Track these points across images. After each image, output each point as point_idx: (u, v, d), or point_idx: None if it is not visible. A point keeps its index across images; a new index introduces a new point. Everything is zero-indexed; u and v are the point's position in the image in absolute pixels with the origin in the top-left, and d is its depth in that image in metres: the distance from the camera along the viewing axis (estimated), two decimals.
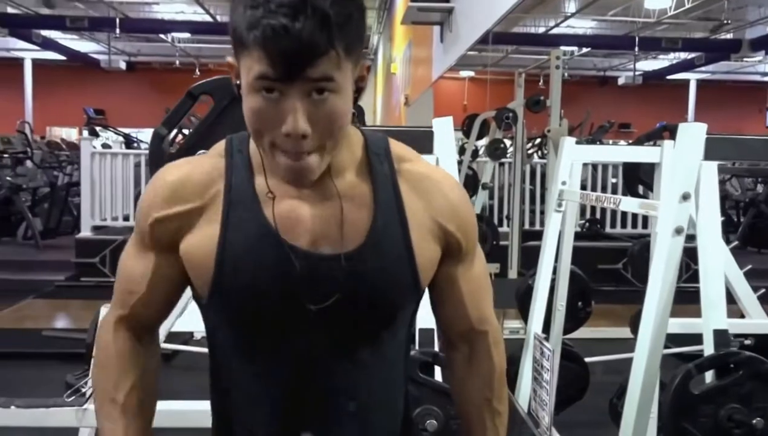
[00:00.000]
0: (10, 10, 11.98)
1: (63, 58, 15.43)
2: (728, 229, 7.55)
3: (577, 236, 3.18)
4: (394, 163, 0.95)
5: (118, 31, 11.89)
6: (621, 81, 17.13)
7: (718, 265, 2.05)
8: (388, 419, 1.00)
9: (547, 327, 2.85)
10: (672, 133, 2.37)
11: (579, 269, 3.03)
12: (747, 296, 2.54)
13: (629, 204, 2.32)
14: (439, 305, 1.03)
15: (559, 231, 2.79)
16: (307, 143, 0.82)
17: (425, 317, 1.96)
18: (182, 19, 13.44)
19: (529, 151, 7.27)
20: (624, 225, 7.29)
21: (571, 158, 2.72)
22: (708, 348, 2.04)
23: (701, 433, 1.85)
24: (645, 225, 6.87)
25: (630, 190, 3.93)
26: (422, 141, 1.83)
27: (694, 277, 2.29)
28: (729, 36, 12.92)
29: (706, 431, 1.86)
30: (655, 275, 1.97)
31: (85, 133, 8.98)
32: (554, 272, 2.83)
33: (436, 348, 1.87)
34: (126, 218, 6.95)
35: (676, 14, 11.28)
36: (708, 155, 2.01)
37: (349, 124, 0.88)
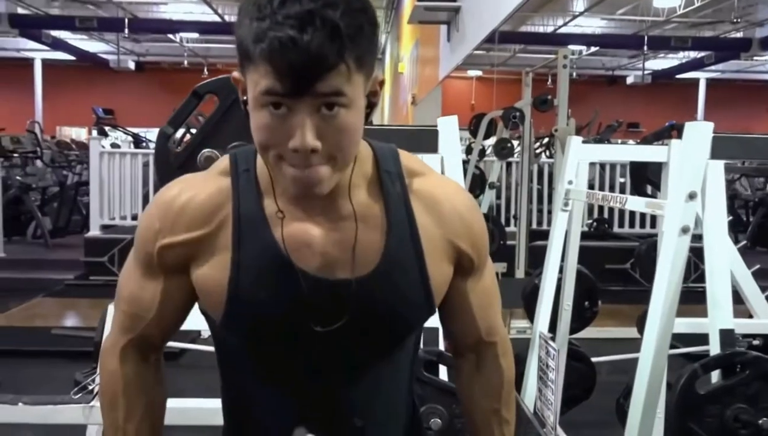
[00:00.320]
0: (20, 10, 12.06)
1: (72, 58, 15.52)
2: (737, 228, 7.51)
3: (585, 236, 3.17)
4: (405, 179, 0.91)
5: (127, 31, 11.97)
6: (630, 80, 17.05)
7: (725, 264, 2.04)
8: (394, 430, 1.00)
9: (553, 327, 2.84)
10: (680, 132, 2.36)
11: (586, 268, 3.02)
12: (755, 295, 2.52)
13: (636, 203, 2.32)
14: (449, 318, 1.01)
15: (565, 230, 2.78)
16: (315, 158, 0.79)
17: (430, 318, 1.97)
18: (191, 19, 13.49)
19: (537, 151, 7.26)
20: (632, 225, 7.26)
21: (578, 157, 2.71)
22: (714, 348, 2.03)
23: (707, 433, 1.84)
24: (653, 225, 6.84)
25: (637, 190, 3.93)
26: (427, 140, 1.84)
27: (703, 277, 2.28)
28: (739, 35, 12.84)
29: (713, 432, 1.85)
30: (661, 274, 1.96)
31: (94, 132, 9.02)
32: (561, 271, 2.83)
33: (441, 347, 1.87)
34: (134, 218, 6.98)
35: (686, 13, 11.22)
36: (715, 154, 2.00)
37: (360, 138, 0.84)
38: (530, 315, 3.07)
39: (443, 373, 1.87)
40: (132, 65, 16.52)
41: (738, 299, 2.48)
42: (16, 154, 8.01)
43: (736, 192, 8.12)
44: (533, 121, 5.24)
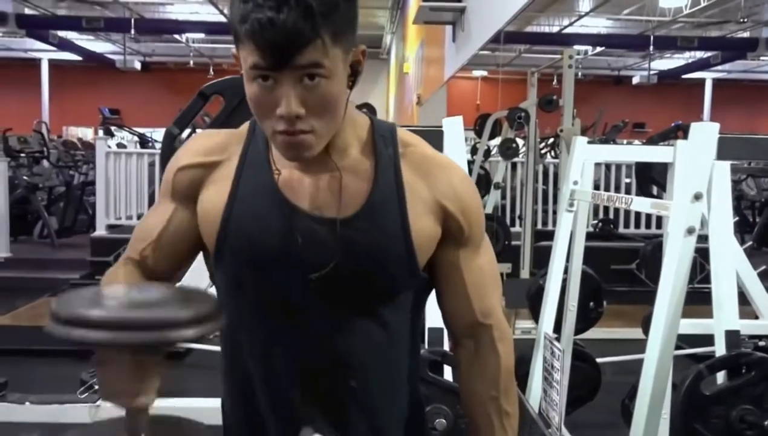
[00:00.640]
0: (27, 11, 12.11)
1: (79, 58, 15.56)
2: (744, 229, 7.48)
3: (590, 236, 3.17)
4: (399, 146, 0.98)
5: (133, 31, 11.99)
6: (636, 80, 17.00)
7: (730, 265, 2.03)
8: (393, 404, 1.00)
9: (558, 327, 2.84)
10: (686, 132, 2.36)
11: (592, 269, 3.02)
12: (761, 296, 2.52)
13: (641, 204, 2.31)
14: (443, 295, 1.03)
15: (570, 231, 2.78)
16: (301, 123, 0.87)
17: (434, 316, 1.97)
18: (196, 19, 13.51)
19: (542, 151, 7.25)
20: (638, 225, 7.24)
21: (583, 158, 2.71)
22: (719, 349, 2.02)
23: (713, 434, 1.83)
24: (659, 225, 6.82)
25: (642, 190, 3.92)
26: (432, 140, 1.83)
27: (709, 277, 2.27)
28: (746, 35, 12.79)
29: (718, 433, 1.84)
30: (667, 275, 1.96)
31: (101, 132, 9.05)
32: (566, 272, 2.82)
33: (446, 347, 1.88)
34: (140, 218, 7.00)
35: (692, 12, 11.19)
36: (720, 155, 1.99)
37: (344, 106, 0.92)
38: (535, 315, 3.07)
39: (448, 373, 1.87)
40: (138, 65, 16.54)
41: (744, 300, 2.48)
42: (23, 154, 8.04)
43: (743, 193, 8.09)
44: (538, 122, 5.23)
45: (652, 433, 1.96)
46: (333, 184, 0.95)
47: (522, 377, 3.02)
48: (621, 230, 7.19)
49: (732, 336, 1.98)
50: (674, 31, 13.03)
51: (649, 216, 7.14)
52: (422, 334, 1.85)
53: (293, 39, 0.83)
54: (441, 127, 1.86)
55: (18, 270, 6.60)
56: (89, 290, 0.65)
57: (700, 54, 14.52)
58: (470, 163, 5.22)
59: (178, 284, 0.94)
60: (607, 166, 7.28)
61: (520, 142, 5.74)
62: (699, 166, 1.93)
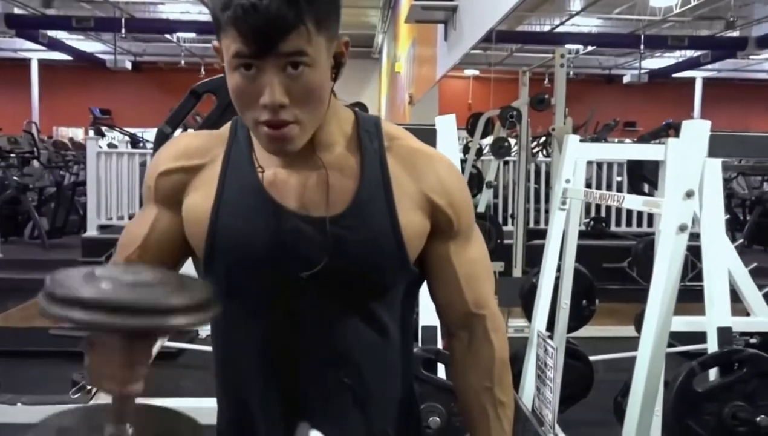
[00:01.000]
0: (16, 10, 12.03)
1: (69, 58, 15.48)
2: (734, 227, 7.53)
3: (582, 235, 3.17)
4: (384, 140, 0.97)
5: (123, 31, 11.92)
6: (626, 79, 17.06)
7: (722, 262, 2.04)
8: (387, 399, 1.00)
9: (551, 326, 2.84)
10: (677, 130, 2.37)
11: (584, 267, 3.03)
12: (752, 294, 2.53)
13: (633, 202, 2.32)
14: (435, 288, 1.02)
15: (563, 229, 2.78)
16: (285, 113, 0.86)
17: (428, 315, 1.97)
18: (187, 18, 13.47)
19: (534, 150, 7.27)
20: (629, 223, 7.27)
21: (575, 156, 2.71)
22: (712, 346, 2.03)
23: (705, 431, 1.84)
24: (650, 223, 6.85)
25: (634, 188, 3.93)
26: (425, 139, 1.83)
27: (700, 275, 2.28)
28: (735, 34, 12.86)
29: (710, 429, 1.85)
30: (659, 272, 1.96)
31: (91, 133, 9.01)
32: (558, 270, 2.83)
33: (439, 345, 1.88)
34: (132, 217, 6.97)
35: (682, 12, 11.24)
36: (712, 152, 1.99)
37: (328, 96, 0.91)
38: (528, 314, 3.08)
39: (442, 372, 1.87)
40: (129, 65, 16.46)
41: (736, 297, 2.49)
42: (12, 155, 7.99)
43: (733, 191, 8.14)
44: (530, 121, 5.24)
45: (644, 430, 1.97)
46: (319, 183, 0.94)
47: (515, 375, 3.03)
48: (613, 228, 7.22)
49: (724, 333, 1.99)
50: (665, 31, 13.09)
51: (640, 214, 7.17)
52: (416, 332, 1.85)
53: (276, 25, 0.82)
54: (433, 125, 1.86)
55: (9, 271, 6.55)
56: (83, 269, 0.64)
57: (690, 53, 14.60)
58: (462, 162, 5.21)
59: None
60: (599, 164, 7.30)
61: (512, 141, 5.75)
62: (690, 164, 1.94)
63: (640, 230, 7.01)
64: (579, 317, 3.08)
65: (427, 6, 4.71)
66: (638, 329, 2.17)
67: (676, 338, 2.91)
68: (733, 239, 2.65)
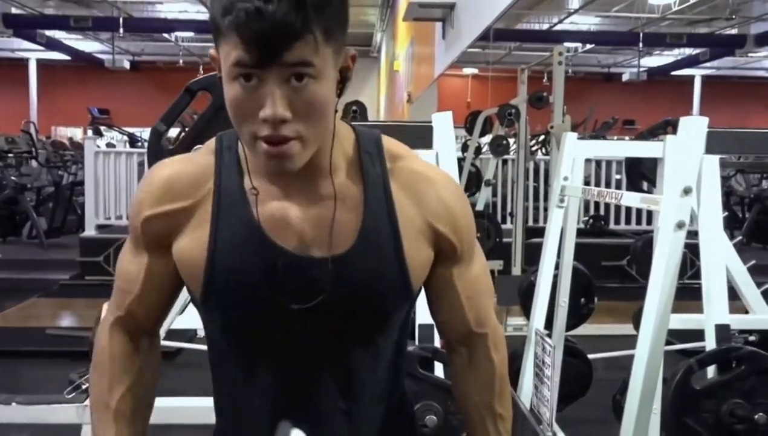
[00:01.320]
0: (14, 10, 12.01)
1: (67, 58, 15.46)
2: (733, 225, 7.52)
3: (581, 233, 3.16)
4: (386, 162, 0.92)
5: (121, 30, 11.91)
6: (625, 77, 17.07)
7: (720, 259, 2.04)
8: (380, 415, 0.99)
9: (549, 324, 2.84)
10: (675, 128, 2.36)
11: (583, 265, 3.02)
12: (751, 291, 2.52)
13: (631, 199, 2.31)
14: (437, 309, 1.01)
15: (561, 227, 2.77)
16: (286, 128, 0.80)
17: (425, 313, 1.96)
18: (186, 18, 13.45)
19: (533, 148, 7.26)
20: (628, 221, 7.27)
21: (573, 154, 2.70)
22: (710, 343, 2.02)
23: (703, 428, 1.84)
24: (649, 221, 6.84)
25: (633, 186, 3.92)
26: (422, 136, 1.83)
27: (699, 273, 2.27)
28: (734, 31, 12.86)
29: (708, 427, 1.84)
30: (657, 270, 1.96)
31: (90, 132, 9.00)
32: (557, 268, 2.82)
33: (437, 343, 1.87)
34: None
35: (681, 9, 11.23)
36: (709, 149, 1.99)
37: (333, 113, 0.85)
38: (526, 312, 3.07)
39: (439, 370, 1.86)
40: (127, 65, 16.46)
41: (735, 295, 2.48)
42: (10, 155, 7.98)
43: (732, 188, 8.13)
44: (529, 119, 5.23)
45: (642, 428, 1.96)
46: (322, 218, 0.88)
47: (514, 373, 3.02)
48: (612, 226, 7.22)
49: (722, 330, 1.98)
50: (663, 28, 13.09)
51: (639, 212, 7.16)
52: (412, 330, 1.84)
53: (282, 32, 0.75)
54: (430, 122, 1.85)
55: (7, 271, 6.55)
56: None
57: (689, 51, 14.61)
58: (461, 160, 5.21)
59: None
60: (598, 163, 7.30)
61: (511, 139, 5.74)
62: (688, 161, 1.93)
63: (639, 228, 7.01)
64: (577, 315, 3.07)
65: (424, 4, 4.70)
66: (637, 326, 2.17)
67: (675, 336, 2.90)
68: (731, 238, 2.64)
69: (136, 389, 0.97)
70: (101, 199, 6.93)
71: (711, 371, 2.02)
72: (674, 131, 2.53)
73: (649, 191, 4.04)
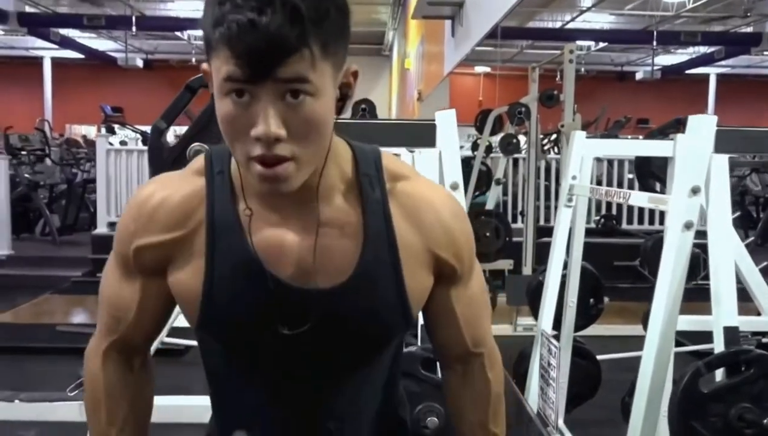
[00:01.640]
0: (28, 9, 12.11)
1: (81, 56, 15.58)
2: (748, 225, 7.43)
3: (593, 233, 3.14)
4: (386, 183, 0.88)
5: (134, 29, 11.97)
6: (639, 76, 16.94)
7: (729, 260, 2.00)
8: (371, 429, 0.98)
9: (558, 324, 2.81)
10: (686, 126, 2.33)
11: (594, 266, 2.99)
12: (763, 292, 2.48)
13: (639, 198, 2.28)
14: (434, 330, 0.99)
15: (569, 227, 2.75)
16: (281, 148, 0.75)
17: None
18: (198, 16, 13.45)
19: (545, 147, 7.21)
20: (641, 221, 7.20)
21: (582, 152, 2.67)
22: (718, 346, 1.99)
23: (711, 433, 1.80)
24: (662, 221, 6.77)
25: (642, 185, 3.88)
26: (425, 134, 1.81)
27: None
28: (749, 29, 12.72)
29: (716, 431, 1.81)
30: (665, 270, 1.93)
31: (102, 130, 9.05)
32: (566, 267, 2.79)
33: None
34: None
35: (695, 7, 11.12)
36: (719, 148, 1.96)
37: (330, 132, 0.81)
38: (535, 312, 3.05)
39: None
40: (140, 63, 16.55)
41: (747, 296, 2.44)
42: (24, 152, 8.04)
43: (747, 188, 8.04)
44: (542, 118, 5.19)
45: (650, 431, 1.94)
46: (319, 246, 0.84)
47: (522, 374, 3.00)
48: (624, 225, 7.15)
49: (730, 333, 1.95)
50: (677, 26, 12.96)
51: (652, 212, 7.09)
52: (415, 333, 1.82)
53: (277, 46, 0.71)
54: (434, 120, 1.83)
55: (20, 268, 6.60)
56: None
57: (703, 49, 14.47)
58: (471, 159, 5.19)
59: None
60: (610, 162, 7.24)
61: (522, 138, 5.71)
62: (697, 160, 1.90)
63: (652, 228, 6.94)
64: (586, 316, 3.04)
65: (433, 1, 4.67)
66: (646, 327, 2.14)
67: (689, 337, 2.86)
68: (746, 238, 2.60)
69: (134, 415, 0.96)
70: (113, 197, 6.96)
71: (719, 374, 1.98)
72: (685, 130, 2.50)
73: (661, 191, 4.00)
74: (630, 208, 7.15)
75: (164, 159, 1.87)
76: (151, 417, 1.01)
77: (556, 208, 6.68)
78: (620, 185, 7.14)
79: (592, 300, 3.06)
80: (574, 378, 2.86)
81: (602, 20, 13.59)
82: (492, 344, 1.02)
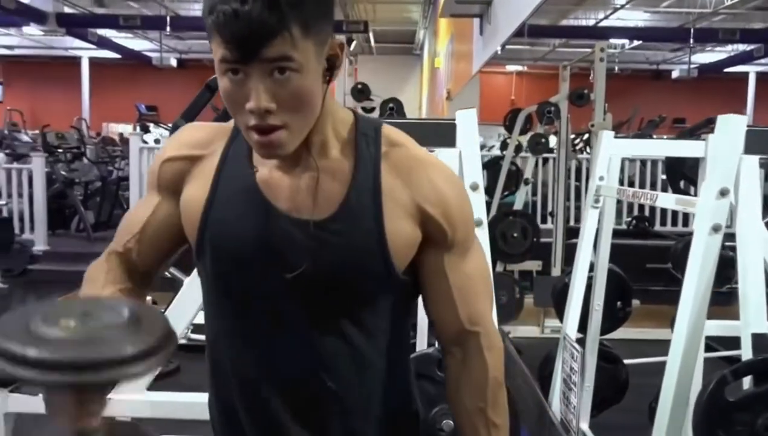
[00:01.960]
0: (67, 9, 12.37)
1: (118, 56, 15.87)
2: None
3: (624, 234, 3.08)
4: (382, 145, 0.95)
5: (168, 29, 12.15)
6: (675, 74, 16.60)
7: (759, 264, 1.94)
8: (371, 408, 0.98)
9: (584, 327, 2.77)
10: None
11: (626, 268, 2.93)
12: None
13: (666, 200, 2.23)
14: (429, 301, 0.99)
15: (596, 228, 2.70)
16: (273, 118, 0.85)
17: None
18: None
19: (577, 147, 7.12)
20: (675, 223, 7.06)
21: (609, 153, 2.63)
22: (746, 353, 1.93)
23: None
24: None
25: (672, 186, 3.80)
26: (445, 134, 1.79)
27: None
28: None
29: None
30: (691, 274, 1.88)
31: (137, 128, 9.21)
32: (592, 269, 2.75)
33: None
34: None
35: (734, 4, 10.86)
36: (749, 149, 1.90)
37: (320, 100, 0.89)
38: (560, 315, 3.01)
39: None
40: (174, 63, 16.79)
41: None
42: (60, 150, 8.21)
43: None
44: (571, 117, 5.13)
45: None
46: (311, 185, 0.93)
47: (547, 377, 2.97)
48: (657, 227, 7.02)
49: (759, 339, 1.89)
50: (715, 24, 12.67)
51: (686, 213, 6.95)
52: (433, 341, 1.81)
53: (258, 31, 0.81)
54: (453, 120, 1.81)
55: (55, 263, 6.75)
56: (30, 311, 0.59)
57: (742, 47, 14.10)
58: (500, 158, 5.14)
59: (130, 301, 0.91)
60: (643, 162, 7.11)
61: (552, 138, 5.63)
62: (725, 161, 1.85)
63: (685, 230, 6.80)
64: (613, 319, 2.99)
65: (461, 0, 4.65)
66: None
67: (722, 342, 2.79)
68: None
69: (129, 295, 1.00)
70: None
71: (747, 382, 1.93)
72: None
73: (693, 193, 3.92)
74: (663, 210, 7.01)
75: None
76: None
77: None
78: (653, 186, 7.00)
79: (619, 303, 3.01)
80: (600, 382, 2.82)
81: (637, 18, 13.35)
82: (490, 325, 1.00)
